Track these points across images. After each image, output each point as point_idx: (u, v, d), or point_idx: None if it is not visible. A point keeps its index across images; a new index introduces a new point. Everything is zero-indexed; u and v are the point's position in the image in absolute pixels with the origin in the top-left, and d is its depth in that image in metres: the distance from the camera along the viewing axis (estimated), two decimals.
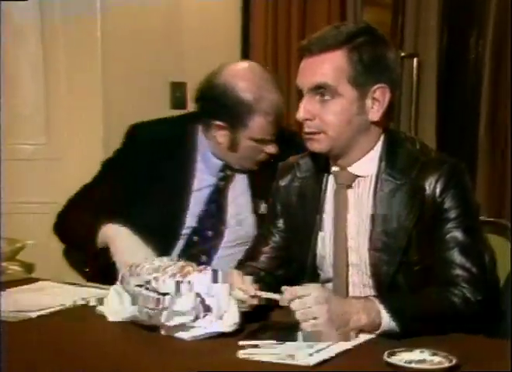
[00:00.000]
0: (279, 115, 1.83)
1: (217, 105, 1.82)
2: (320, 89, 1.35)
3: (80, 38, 2.24)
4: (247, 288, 1.28)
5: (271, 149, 1.84)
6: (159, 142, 1.89)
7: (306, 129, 1.38)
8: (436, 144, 3.23)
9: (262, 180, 1.81)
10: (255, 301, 1.30)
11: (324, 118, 1.36)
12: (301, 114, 1.37)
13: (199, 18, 2.49)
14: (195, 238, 1.86)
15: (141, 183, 1.86)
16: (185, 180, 1.87)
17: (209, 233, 1.86)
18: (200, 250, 1.85)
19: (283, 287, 1.24)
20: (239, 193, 1.89)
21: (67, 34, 2.22)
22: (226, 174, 1.89)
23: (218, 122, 1.83)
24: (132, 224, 1.78)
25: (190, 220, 1.85)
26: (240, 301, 1.29)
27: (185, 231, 1.85)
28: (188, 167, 1.88)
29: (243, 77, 1.81)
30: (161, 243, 1.76)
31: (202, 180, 1.89)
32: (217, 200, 1.88)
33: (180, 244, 1.85)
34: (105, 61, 2.23)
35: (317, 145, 1.39)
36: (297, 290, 1.22)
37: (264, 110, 1.79)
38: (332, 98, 1.35)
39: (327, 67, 1.34)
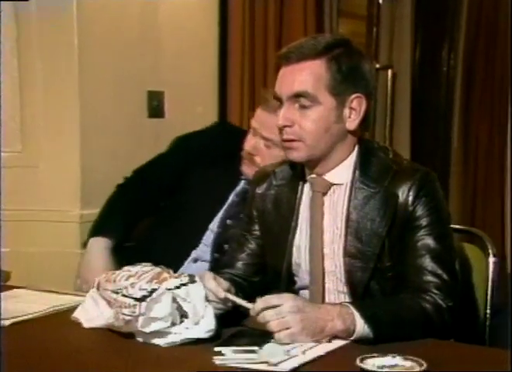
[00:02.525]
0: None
1: None
2: (299, 97, 1.37)
3: (56, 46, 2.23)
4: (216, 290, 1.30)
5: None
6: None
7: (285, 136, 1.40)
8: (410, 153, 3.29)
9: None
10: (223, 305, 1.31)
11: (303, 125, 1.38)
12: (280, 121, 1.39)
13: (176, 28, 2.50)
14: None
15: None
16: None
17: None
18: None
19: (258, 299, 1.25)
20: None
21: (43, 41, 2.21)
22: None
23: None
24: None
25: None
26: (215, 304, 1.30)
27: None
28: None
29: None
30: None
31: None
32: None
33: None
34: (81, 69, 2.22)
35: (296, 154, 1.40)
36: (271, 299, 1.23)
37: None
38: (311, 106, 1.37)
39: (307, 75, 1.36)
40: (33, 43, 2.19)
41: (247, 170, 1.86)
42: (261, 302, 1.23)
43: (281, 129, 1.40)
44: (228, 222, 1.88)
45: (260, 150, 1.83)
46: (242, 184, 1.92)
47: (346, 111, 1.39)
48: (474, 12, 3.30)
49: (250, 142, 1.86)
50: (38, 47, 2.17)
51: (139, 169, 2.03)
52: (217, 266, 1.64)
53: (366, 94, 1.41)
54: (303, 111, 1.38)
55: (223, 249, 1.85)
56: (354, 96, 1.39)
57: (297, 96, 1.37)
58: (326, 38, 1.41)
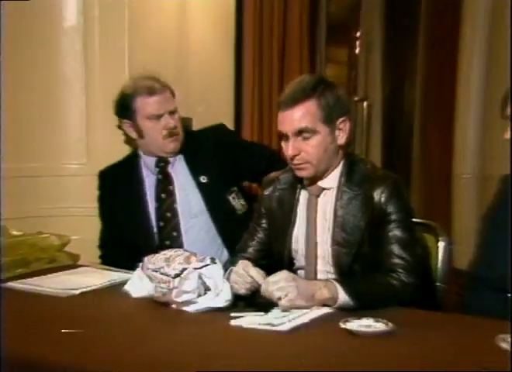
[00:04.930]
0: (158, 90, 1.70)
1: (116, 106, 1.77)
2: (301, 132, 1.35)
3: (112, 72, 2.17)
4: (258, 278, 1.26)
5: (168, 120, 1.69)
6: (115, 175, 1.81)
7: (295, 162, 1.38)
8: (381, 164, 3.27)
9: (199, 159, 1.75)
10: (254, 288, 1.28)
11: (307, 151, 1.36)
12: (290, 152, 1.37)
13: (203, 67, 2.47)
14: (161, 223, 1.74)
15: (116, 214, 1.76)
16: (139, 195, 1.75)
17: (168, 214, 1.74)
18: (170, 231, 1.74)
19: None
20: (180, 175, 1.76)
21: (103, 70, 2.15)
22: (160, 167, 1.76)
23: (123, 120, 1.75)
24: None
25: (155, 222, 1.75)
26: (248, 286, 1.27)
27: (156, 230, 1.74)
28: (137, 182, 1.76)
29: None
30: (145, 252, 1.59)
31: (151, 184, 1.76)
32: (163, 189, 1.75)
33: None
34: None
35: (305, 172, 1.39)
36: (270, 278, 1.23)
37: (142, 91, 1.70)
38: (311, 136, 1.35)
39: (304, 114, 1.34)
40: (96, 68, 2.12)
41: (174, 143, 1.72)
42: (264, 283, 1.23)
43: (292, 158, 1.37)
44: (163, 195, 1.75)
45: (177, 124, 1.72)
46: (152, 161, 1.75)
47: (337, 132, 1.38)
48: (427, 58, 3.32)
49: (170, 123, 1.69)
50: (100, 74, 2.11)
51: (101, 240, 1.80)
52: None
53: (348, 115, 1.39)
54: (306, 141, 1.36)
55: (165, 217, 1.73)
56: (340, 120, 1.37)
57: (300, 132, 1.35)
58: (308, 79, 1.37)
